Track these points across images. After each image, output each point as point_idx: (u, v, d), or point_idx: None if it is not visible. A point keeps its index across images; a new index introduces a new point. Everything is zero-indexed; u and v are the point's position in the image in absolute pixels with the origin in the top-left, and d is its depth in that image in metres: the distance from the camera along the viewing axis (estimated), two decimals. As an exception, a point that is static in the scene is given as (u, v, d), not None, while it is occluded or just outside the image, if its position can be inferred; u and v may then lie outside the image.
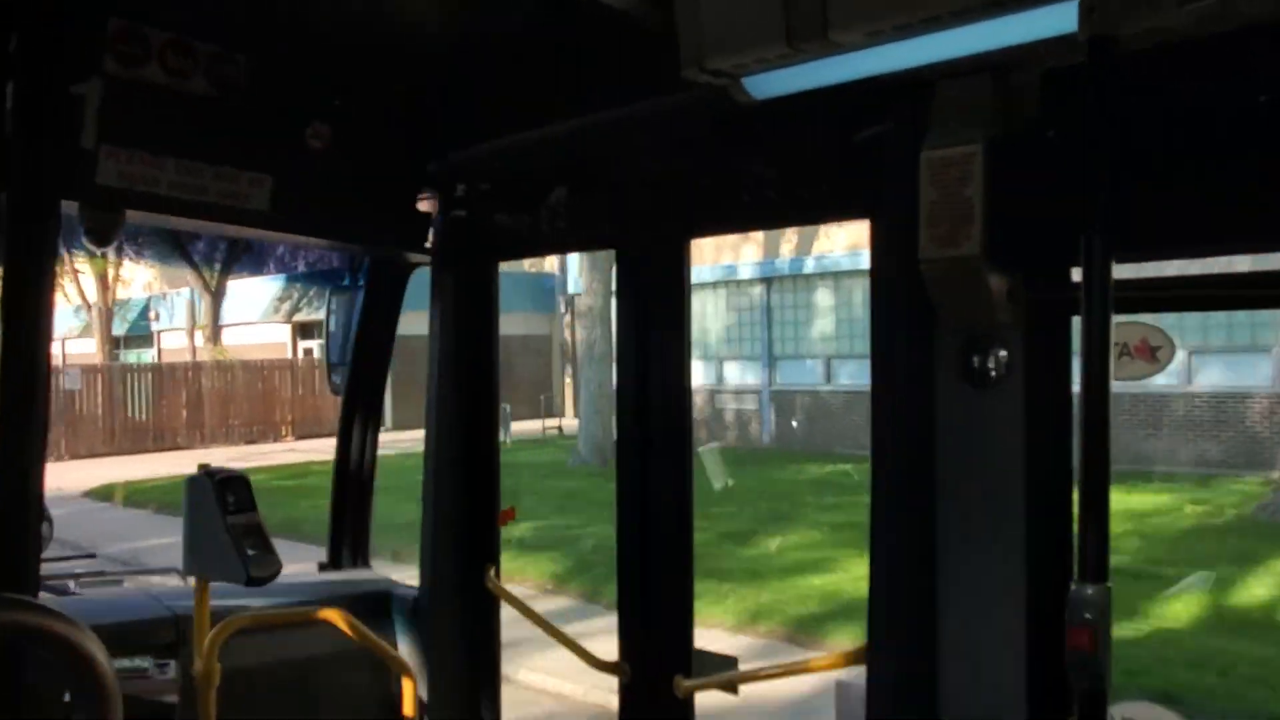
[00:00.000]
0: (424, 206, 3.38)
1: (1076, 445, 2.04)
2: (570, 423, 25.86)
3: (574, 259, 24.77)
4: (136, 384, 28.67)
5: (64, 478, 17.47)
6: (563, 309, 30.84)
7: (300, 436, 28.71)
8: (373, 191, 3.20)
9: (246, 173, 2.88)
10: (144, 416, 28.45)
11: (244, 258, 30.80)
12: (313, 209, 3.10)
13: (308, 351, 32.18)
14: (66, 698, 1.96)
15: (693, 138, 2.73)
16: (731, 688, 2.95)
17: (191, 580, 2.99)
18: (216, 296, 32.62)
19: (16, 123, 1.86)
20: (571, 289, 27.20)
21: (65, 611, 1.39)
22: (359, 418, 3.80)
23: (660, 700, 2.93)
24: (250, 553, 2.75)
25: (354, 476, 3.78)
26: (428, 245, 3.43)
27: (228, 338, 33.55)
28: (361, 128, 3.08)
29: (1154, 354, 1.95)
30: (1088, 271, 1.50)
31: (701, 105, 2.37)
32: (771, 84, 2.16)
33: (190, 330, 35.47)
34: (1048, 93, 1.98)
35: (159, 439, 28.03)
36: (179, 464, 11.38)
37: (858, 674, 2.34)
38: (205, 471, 2.86)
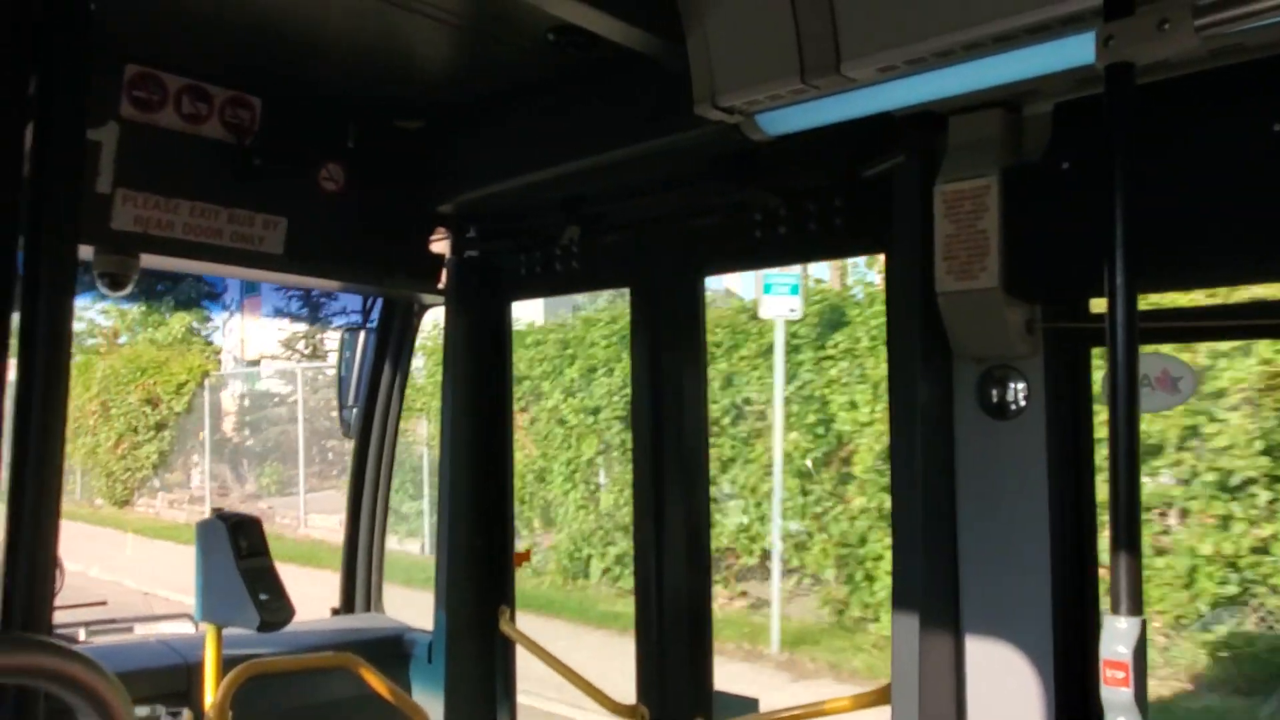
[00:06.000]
0: (437, 247, 3.39)
1: (1101, 477, 2.01)
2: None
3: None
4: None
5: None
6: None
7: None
8: (386, 232, 3.21)
9: (261, 215, 2.89)
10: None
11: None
12: (327, 250, 3.11)
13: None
14: None
15: (705, 175, 2.73)
16: None
17: (204, 626, 2.95)
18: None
19: (34, 168, 1.86)
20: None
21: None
22: (371, 460, 3.78)
23: None
24: (263, 598, 2.71)
25: (367, 521, 3.75)
26: (440, 286, 3.43)
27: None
28: (374, 169, 3.10)
29: (1175, 385, 1.93)
30: (1111, 300, 1.48)
31: (713, 142, 2.37)
32: (784, 120, 2.17)
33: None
34: (1060, 125, 1.98)
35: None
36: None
37: (884, 714, 2.29)
38: (218, 515, 2.84)
